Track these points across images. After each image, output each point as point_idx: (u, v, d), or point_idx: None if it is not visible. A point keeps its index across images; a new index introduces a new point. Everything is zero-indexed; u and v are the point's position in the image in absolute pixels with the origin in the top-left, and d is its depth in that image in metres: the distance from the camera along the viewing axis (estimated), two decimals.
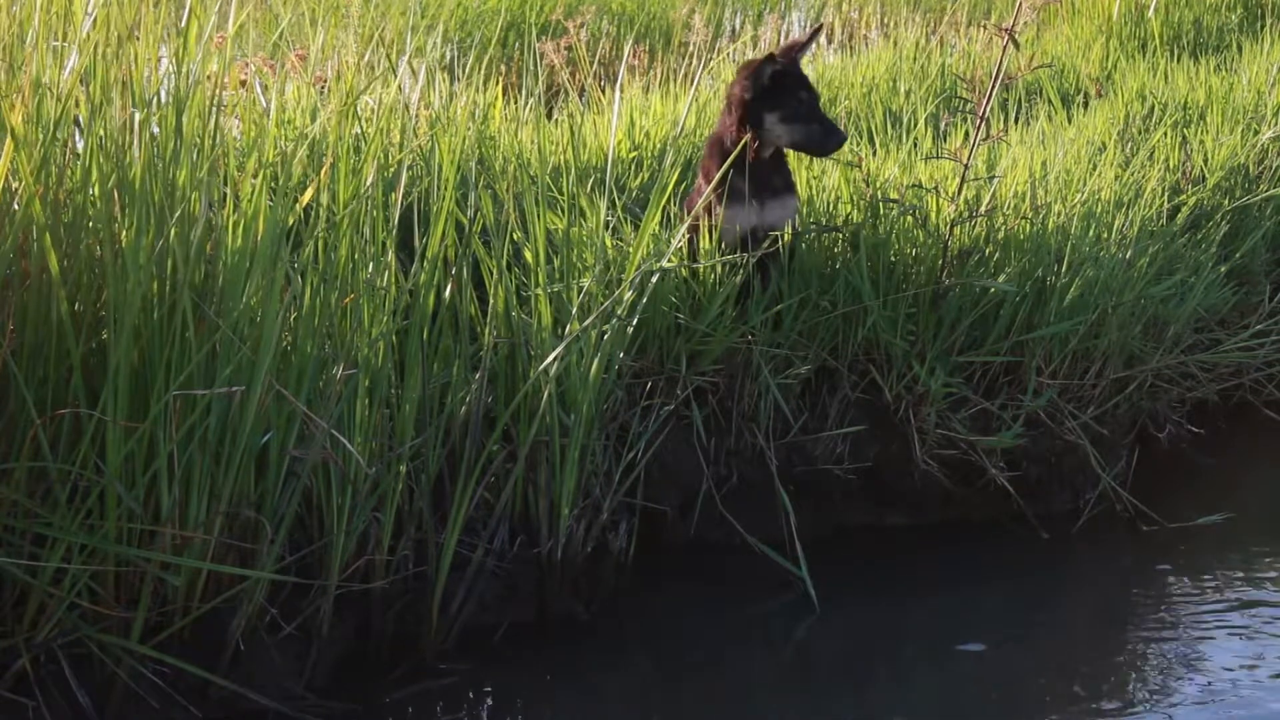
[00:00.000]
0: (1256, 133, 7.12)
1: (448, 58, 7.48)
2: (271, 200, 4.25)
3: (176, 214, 4.04)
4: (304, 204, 4.46)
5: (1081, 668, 4.84)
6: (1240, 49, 8.88)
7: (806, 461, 5.47)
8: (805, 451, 5.47)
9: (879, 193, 5.59)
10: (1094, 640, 5.06)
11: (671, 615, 5.09)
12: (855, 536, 5.59)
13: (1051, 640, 5.04)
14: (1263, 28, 9.20)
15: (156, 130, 4.12)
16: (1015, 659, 4.89)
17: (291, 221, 4.40)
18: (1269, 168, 6.93)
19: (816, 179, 5.80)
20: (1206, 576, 5.41)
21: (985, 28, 7.76)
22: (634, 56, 7.24)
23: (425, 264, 4.61)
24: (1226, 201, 6.66)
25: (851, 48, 9.09)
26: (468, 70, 6.34)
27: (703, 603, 5.16)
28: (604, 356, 4.80)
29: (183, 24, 4.27)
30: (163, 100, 4.16)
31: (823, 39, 9.68)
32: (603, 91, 7.05)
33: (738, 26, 10.07)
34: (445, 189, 4.65)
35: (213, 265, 4.13)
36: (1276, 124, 7.19)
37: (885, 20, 9.80)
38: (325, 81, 5.71)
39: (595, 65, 7.70)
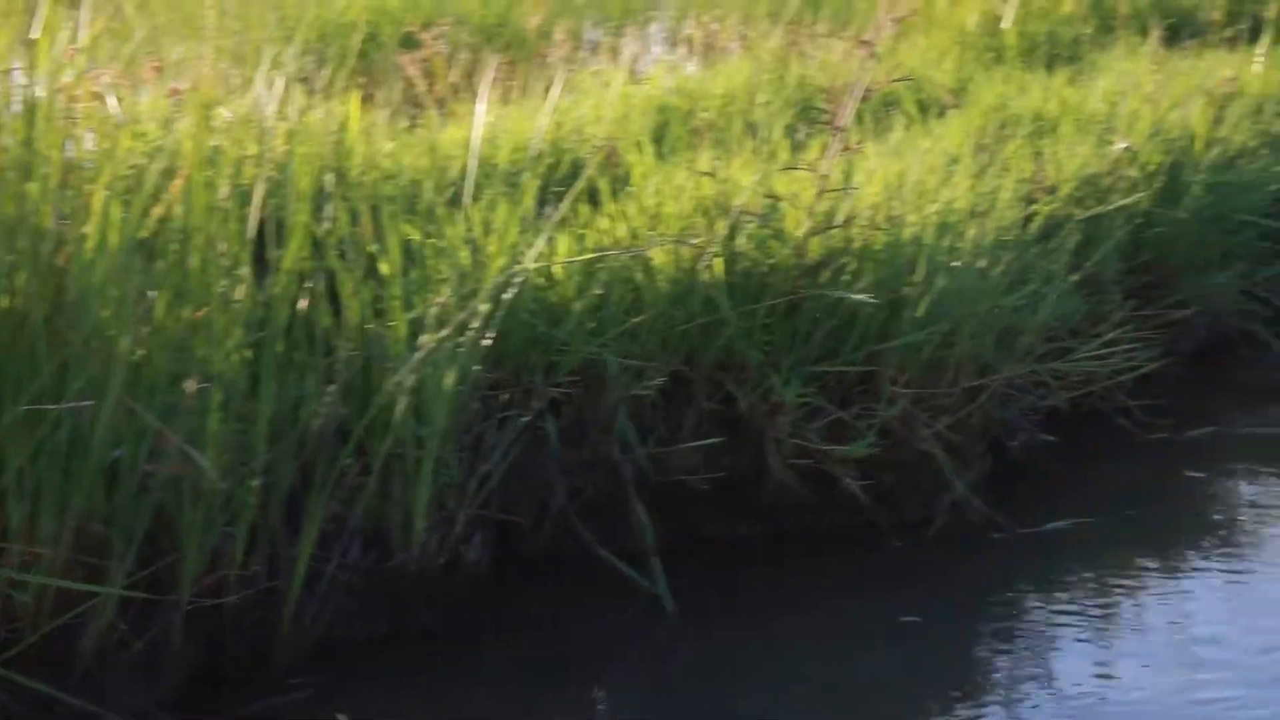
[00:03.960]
0: (1108, 143, 7.26)
1: (306, 69, 7.48)
2: (125, 213, 4.25)
3: (27, 227, 4.03)
4: (157, 217, 4.46)
5: (932, 674, 4.94)
6: (1093, 61, 9.05)
7: (662, 472, 5.54)
8: (661, 462, 5.53)
9: (735, 205, 5.66)
10: (945, 646, 5.16)
11: (527, 627, 5.13)
12: (711, 546, 5.66)
13: (903, 647, 5.13)
14: (1115, 41, 9.37)
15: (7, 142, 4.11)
16: (867, 667, 4.98)
17: (144, 234, 4.39)
18: (1120, 178, 7.07)
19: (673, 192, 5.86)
20: (1057, 582, 5.53)
21: (844, 39, 7.85)
22: (494, 69, 7.27)
23: (280, 277, 4.63)
24: (1079, 211, 6.79)
25: (711, 59, 9.15)
26: (325, 82, 6.35)
27: (559, 614, 5.21)
28: (459, 368, 4.84)
29: (34, 35, 4.26)
30: (13, 112, 4.15)
31: (683, 50, 9.76)
32: (463, 103, 7.07)
33: (598, 39, 10.13)
34: (301, 201, 4.67)
35: (63, 278, 4.12)
36: (1127, 135, 7.34)
37: (746, 31, 9.87)
38: (181, 93, 5.70)
39: (454, 78, 7.73)
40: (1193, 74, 8.43)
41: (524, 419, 5.25)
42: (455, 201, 5.51)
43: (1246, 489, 6.35)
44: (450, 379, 4.82)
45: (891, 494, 5.80)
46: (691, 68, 8.74)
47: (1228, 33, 9.91)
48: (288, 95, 6.02)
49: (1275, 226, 7.73)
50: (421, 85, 6.99)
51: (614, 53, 9.09)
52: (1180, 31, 10.00)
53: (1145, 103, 7.73)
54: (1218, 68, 8.64)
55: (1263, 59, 9.04)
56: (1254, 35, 9.52)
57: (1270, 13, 9.82)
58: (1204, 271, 7.36)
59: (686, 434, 5.58)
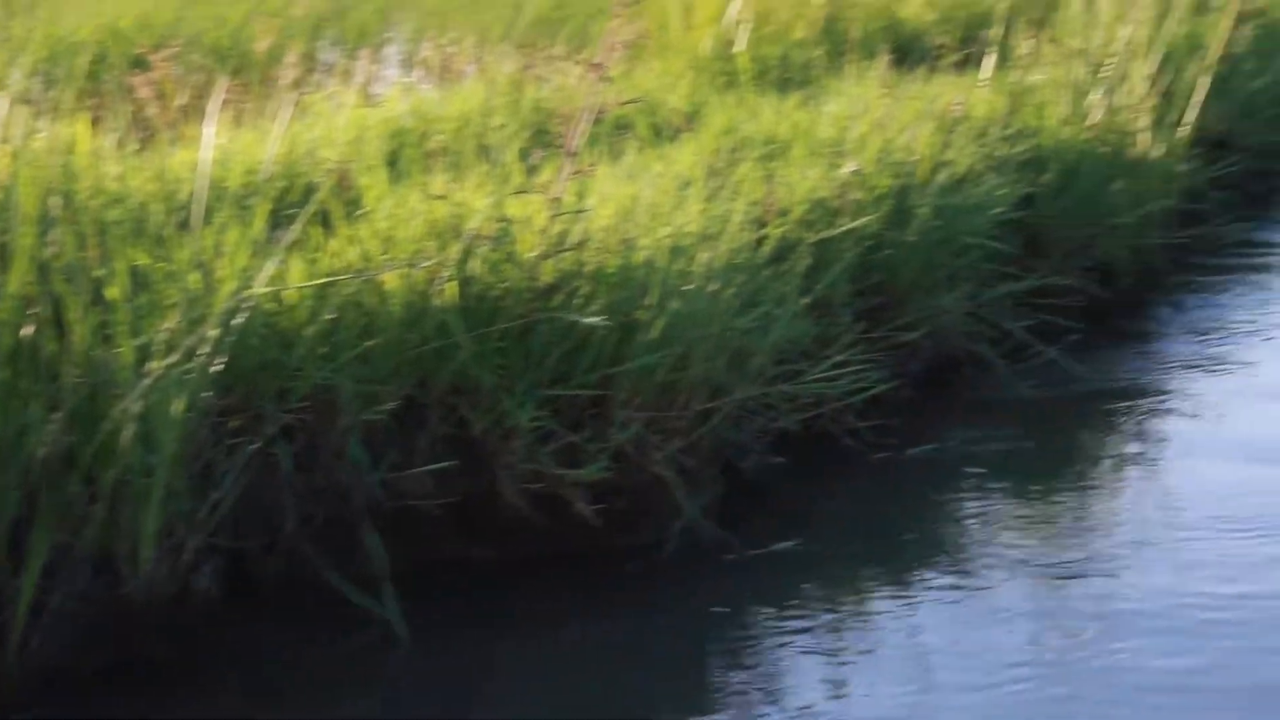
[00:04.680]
0: (838, 167, 7.43)
1: (33, 90, 7.38)
2: None
3: None
4: None
5: (667, 696, 5.04)
6: (825, 85, 9.25)
7: (396, 497, 5.57)
8: (394, 487, 5.57)
9: (468, 228, 5.72)
10: (679, 667, 5.27)
11: (260, 655, 5.14)
12: (446, 571, 5.70)
13: (637, 669, 5.23)
14: (845, 65, 9.59)
15: None
16: (601, 690, 5.07)
17: None
18: (850, 201, 7.24)
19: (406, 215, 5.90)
20: (788, 601, 5.66)
21: (580, 63, 7.95)
22: (224, 91, 7.24)
23: (4, 302, 4.58)
24: (809, 234, 6.94)
25: (447, 81, 9.21)
26: (53, 103, 6.29)
27: (291, 642, 5.22)
28: (188, 395, 4.83)
29: None
30: None
31: (418, 73, 9.81)
32: (194, 126, 7.04)
33: (333, 61, 10.14)
34: (26, 225, 4.63)
35: None
36: (856, 158, 7.52)
37: (482, 54, 9.95)
38: None
39: (185, 100, 7.68)
40: (921, 98, 8.66)
41: (255, 445, 5.25)
42: (185, 225, 5.49)
43: (971, 506, 6.55)
44: (179, 405, 4.82)
45: (625, 517, 5.89)
46: (427, 90, 8.79)
47: (955, 58, 10.19)
48: (12, 116, 5.94)
49: (1000, 249, 7.98)
50: (152, 107, 6.94)
51: (349, 75, 9.11)
52: (909, 56, 10.27)
53: (874, 127, 7.93)
54: (945, 92, 8.89)
55: (988, 83, 9.32)
56: (979, 60, 9.80)
57: (995, 37, 10.11)
58: (931, 294, 7.56)
59: (420, 458, 5.62)
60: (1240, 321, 8.85)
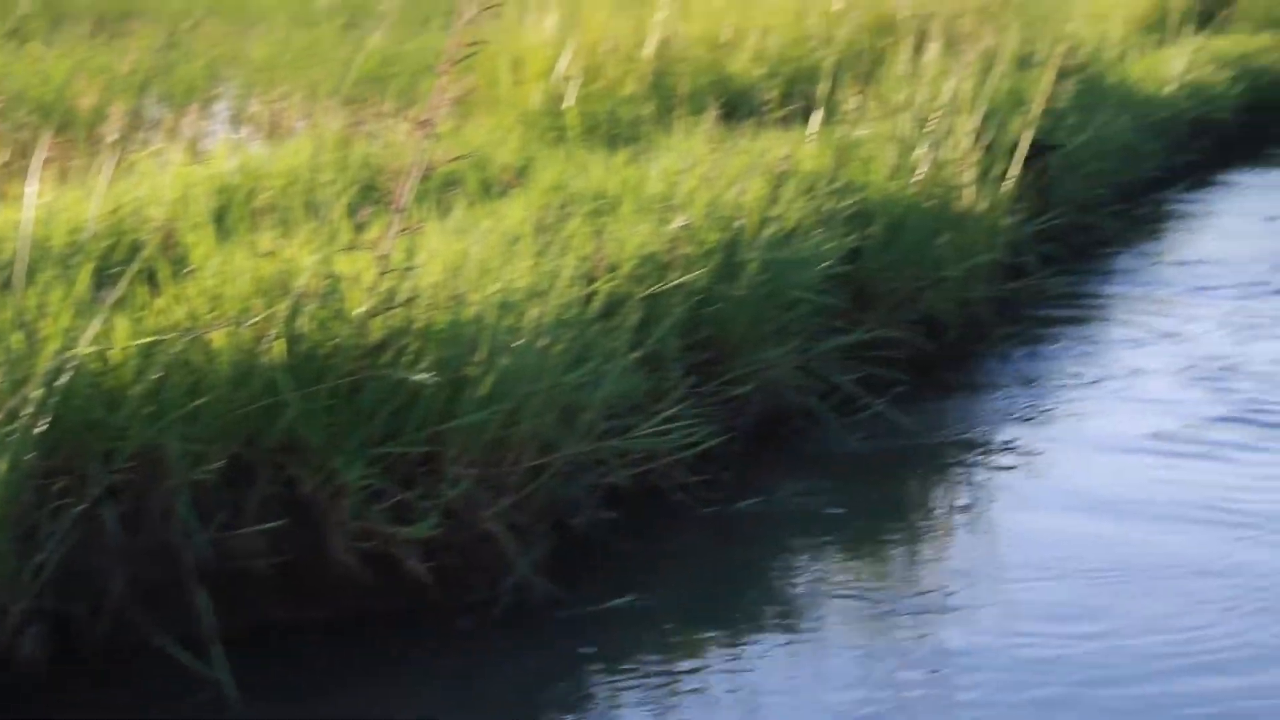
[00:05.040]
0: (668, 221, 7.51)
1: None
2: None
3: None
4: None
5: None
6: (653, 140, 9.34)
7: (225, 557, 5.55)
8: (224, 547, 5.54)
9: (296, 285, 5.72)
10: None
11: None
12: (277, 631, 5.68)
13: None
14: (674, 120, 9.69)
15: None
16: None
17: None
18: (679, 255, 7.31)
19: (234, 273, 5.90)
20: (621, 657, 5.71)
21: (409, 118, 7.98)
22: (49, 148, 7.20)
23: None
24: (639, 289, 7.00)
25: (276, 138, 9.21)
26: None
27: (121, 706, 5.20)
28: (10, 456, 4.79)
29: None
30: None
31: (248, 130, 9.80)
32: (16, 184, 6.98)
33: (160, 117, 10.09)
34: None
35: None
36: (686, 213, 7.60)
37: (311, 110, 9.95)
38: None
39: (7, 157, 7.62)
40: (749, 153, 8.78)
41: (81, 506, 5.21)
42: (7, 285, 5.45)
43: (802, 559, 6.64)
44: (1, 467, 4.77)
45: (457, 574, 5.90)
46: (255, 146, 8.78)
47: (783, 112, 10.33)
48: None
49: (829, 302, 8.09)
50: None
51: (175, 132, 9.08)
52: (737, 111, 10.39)
53: (703, 181, 8.03)
54: (773, 147, 9.01)
55: (815, 138, 9.46)
56: (807, 115, 9.95)
57: (822, 92, 10.26)
58: (761, 347, 7.64)
59: (249, 518, 5.60)
60: (1065, 373, 9.04)
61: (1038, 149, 10.43)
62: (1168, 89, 15.51)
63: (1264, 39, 19.69)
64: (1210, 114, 16.22)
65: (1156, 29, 18.71)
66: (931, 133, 9.67)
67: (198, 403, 5.45)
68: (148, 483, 5.44)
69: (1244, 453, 7.74)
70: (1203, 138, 15.96)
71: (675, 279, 7.16)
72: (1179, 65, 15.95)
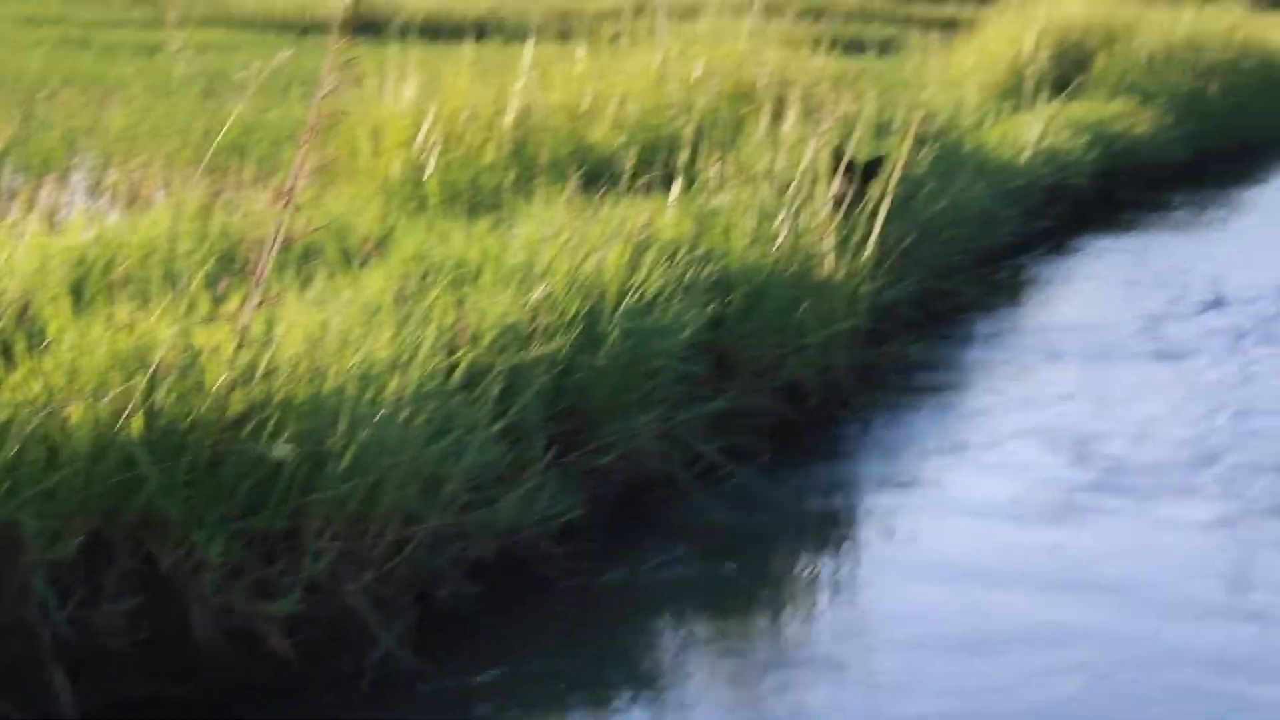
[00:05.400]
0: (528, 291, 7.54)
1: None
2: None
3: None
4: None
5: None
6: (514, 208, 9.38)
7: (84, 635, 5.50)
8: (83, 624, 5.50)
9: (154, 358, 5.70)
10: None
11: None
12: (139, 709, 5.65)
13: None
14: (535, 189, 9.73)
15: None
16: None
17: None
18: (540, 326, 7.35)
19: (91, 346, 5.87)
20: None
21: (269, 188, 7.98)
22: None
23: None
24: (501, 359, 7.02)
25: (135, 208, 9.16)
26: None
27: None
28: None
29: None
30: None
31: (106, 200, 9.74)
32: None
33: (16, 187, 10.01)
34: None
35: None
36: (547, 282, 7.63)
37: (170, 179, 9.91)
38: None
39: None
40: (609, 221, 8.82)
41: None
42: None
43: (667, 629, 6.70)
44: None
45: (321, 648, 5.89)
46: (113, 217, 8.73)
47: (642, 180, 10.39)
48: None
49: (691, 370, 8.15)
50: None
51: (32, 203, 9.01)
52: (598, 179, 10.44)
53: (564, 250, 8.07)
54: (633, 215, 9.06)
55: (675, 206, 9.53)
56: (667, 182, 10.02)
57: (682, 160, 10.34)
58: (624, 416, 7.68)
59: (109, 594, 5.57)
60: (925, 439, 9.16)
61: (866, 167, 10.44)
62: (1024, 155, 15.75)
63: (1118, 105, 20.06)
64: (1066, 180, 16.48)
65: (1012, 95, 19.01)
66: (791, 200, 9.77)
67: (55, 478, 5.42)
68: (4, 560, 5.39)
69: (1102, 518, 7.88)
70: (1059, 203, 16.21)
71: (537, 349, 7.19)
72: (1035, 131, 16.20)
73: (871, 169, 10.42)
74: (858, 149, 10.83)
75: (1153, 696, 6.11)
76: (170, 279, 7.07)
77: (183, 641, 5.71)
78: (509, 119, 11.04)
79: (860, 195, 10.15)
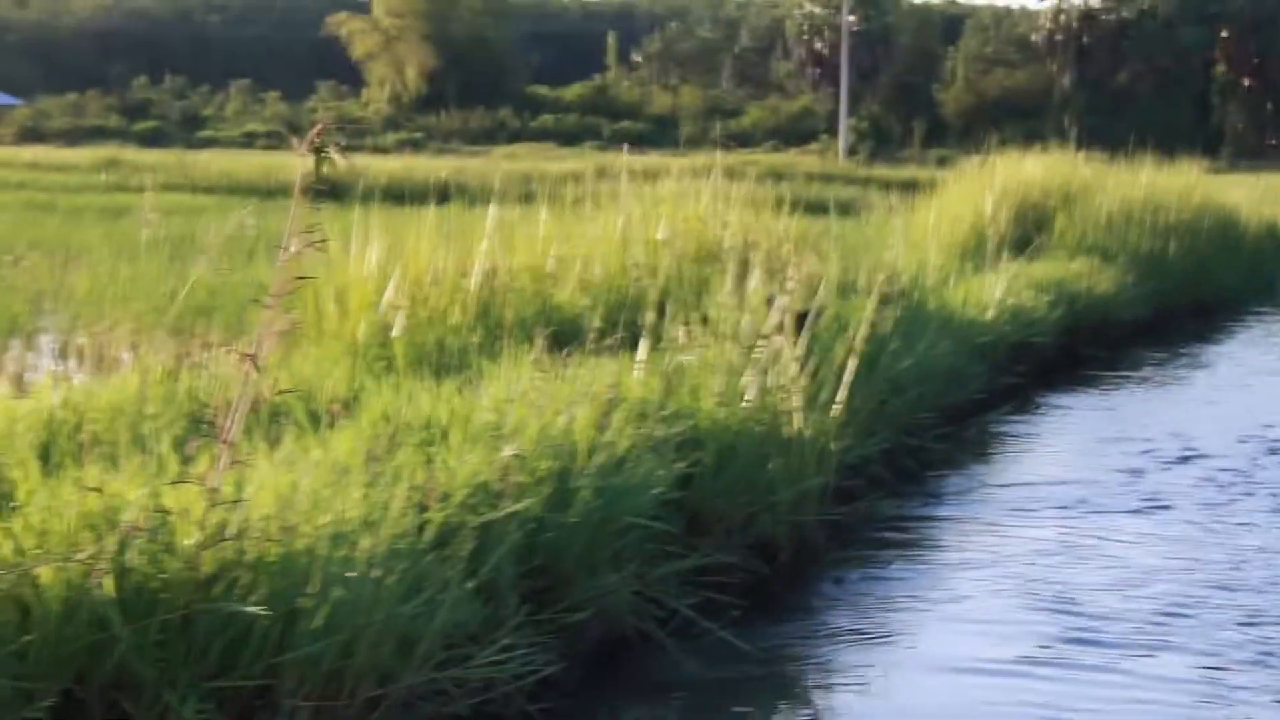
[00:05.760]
0: (498, 450, 7.57)
1: None
2: None
3: None
4: None
5: None
6: (481, 369, 9.42)
7: None
8: None
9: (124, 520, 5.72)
10: None
11: None
12: None
13: None
14: (502, 349, 9.78)
15: None
16: None
17: None
18: (511, 484, 7.37)
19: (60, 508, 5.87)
20: None
21: (236, 350, 8.02)
22: None
23: None
24: (472, 518, 7.04)
25: (102, 370, 9.20)
26: None
27: None
28: None
29: None
30: None
31: (74, 362, 9.79)
32: None
33: None
34: None
35: None
36: (516, 441, 7.66)
37: (138, 341, 9.97)
38: None
39: None
40: (577, 381, 8.87)
41: None
42: None
43: None
44: None
45: None
46: (81, 379, 8.76)
47: (609, 340, 10.45)
48: None
49: (663, 528, 8.18)
50: None
51: None
52: (564, 339, 10.50)
53: (532, 409, 8.11)
54: (601, 375, 9.11)
55: (642, 366, 9.59)
56: (634, 343, 10.08)
57: (648, 320, 10.41)
58: (597, 573, 7.70)
59: None
60: (896, 595, 9.17)
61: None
62: (989, 314, 15.93)
63: (1079, 264, 20.31)
64: (1030, 337, 16.66)
65: (974, 254, 19.23)
66: (758, 359, 9.85)
67: (26, 639, 5.41)
68: None
69: (1074, 672, 7.89)
70: (1024, 360, 16.37)
71: (508, 507, 7.20)
72: (998, 290, 16.38)
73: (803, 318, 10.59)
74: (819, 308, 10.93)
75: None
76: (139, 441, 7.09)
77: None
78: (474, 280, 11.12)
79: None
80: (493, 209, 12.19)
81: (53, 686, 5.48)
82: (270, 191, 22.99)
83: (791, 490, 9.40)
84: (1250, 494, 11.78)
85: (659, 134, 79.52)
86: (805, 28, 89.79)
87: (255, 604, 5.74)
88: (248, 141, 77.80)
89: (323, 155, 6.08)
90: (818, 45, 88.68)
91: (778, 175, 23.77)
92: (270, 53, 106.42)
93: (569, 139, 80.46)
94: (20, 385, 8.45)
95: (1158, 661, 8.05)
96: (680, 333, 10.55)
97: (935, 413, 13.06)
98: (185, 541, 5.85)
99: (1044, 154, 25.31)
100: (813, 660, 8.14)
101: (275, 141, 71.40)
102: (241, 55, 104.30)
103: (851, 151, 72.15)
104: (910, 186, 26.11)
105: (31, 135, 76.44)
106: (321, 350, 10.04)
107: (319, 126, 6.09)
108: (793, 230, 14.65)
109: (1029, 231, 21.71)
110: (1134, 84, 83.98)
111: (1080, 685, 7.73)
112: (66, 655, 5.52)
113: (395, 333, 10.19)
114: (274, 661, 5.81)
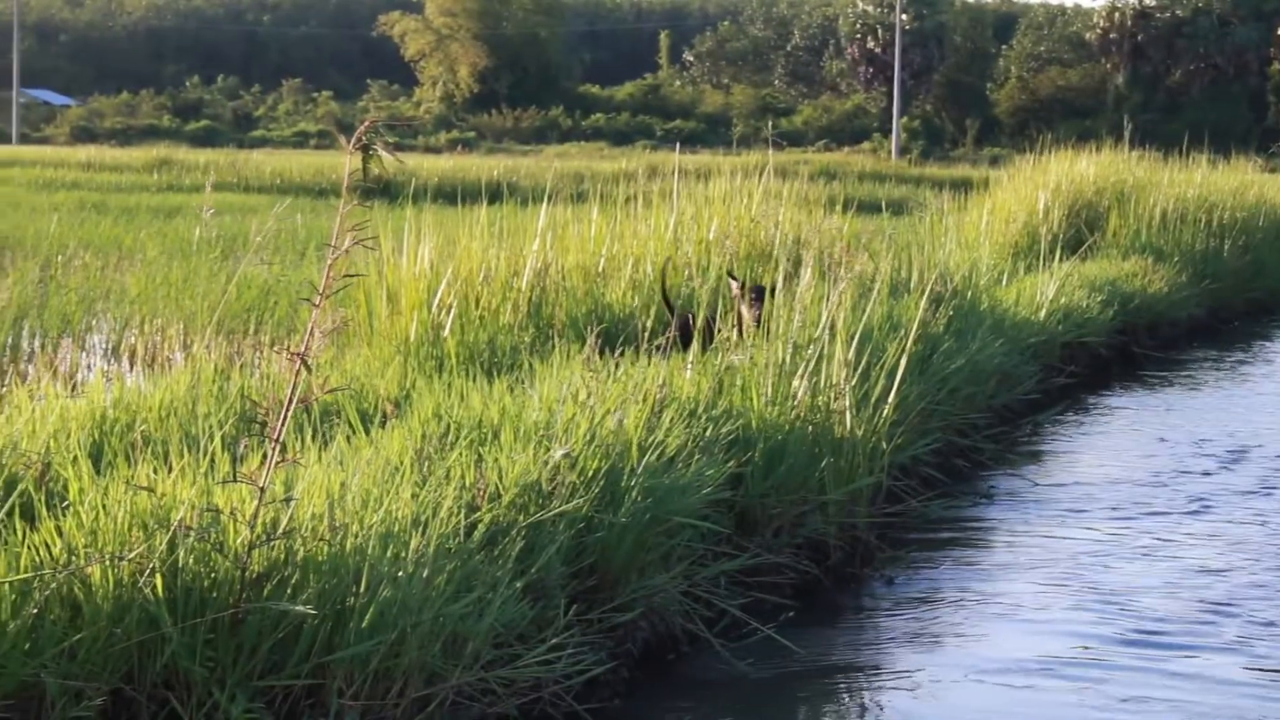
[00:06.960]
0: (548, 449, 7.57)
1: None
2: None
3: None
4: None
5: None
6: (532, 368, 9.43)
7: None
8: None
9: (174, 519, 5.74)
10: None
11: None
12: None
13: None
14: (553, 348, 9.79)
15: None
16: None
17: None
18: (561, 484, 7.37)
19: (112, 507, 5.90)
20: None
21: (286, 351, 8.04)
22: None
23: None
24: (521, 518, 7.05)
25: (154, 369, 9.25)
26: None
27: None
28: None
29: None
30: None
31: (125, 362, 9.85)
32: None
33: (36, 349, 10.11)
34: None
35: None
36: (567, 441, 7.66)
37: (188, 341, 10.02)
38: None
39: None
40: (627, 380, 8.86)
41: None
42: None
43: None
44: None
45: None
46: (132, 379, 8.81)
47: (660, 340, 10.44)
48: None
49: (712, 528, 8.17)
50: None
51: (52, 365, 9.09)
52: (615, 338, 10.51)
53: (582, 409, 8.10)
54: (651, 374, 9.09)
55: (692, 365, 9.58)
56: (685, 342, 10.07)
57: (698, 320, 10.39)
58: (646, 573, 7.70)
59: None
60: (948, 596, 9.14)
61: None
62: (1041, 313, 15.87)
63: (1132, 264, 20.22)
64: (1083, 337, 16.60)
65: (1026, 254, 19.16)
66: (809, 359, 9.82)
67: (77, 638, 5.44)
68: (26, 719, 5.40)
69: (1127, 674, 7.85)
70: (1077, 360, 16.31)
71: (557, 507, 7.20)
72: (1051, 290, 16.32)
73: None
74: (874, 310, 10.90)
75: None
76: (190, 440, 7.12)
77: None
78: (525, 280, 11.15)
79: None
80: (544, 208, 12.20)
81: (103, 685, 5.51)
82: (322, 191, 23.11)
83: (842, 490, 9.38)
84: None
85: (710, 133, 79.68)
86: (858, 26, 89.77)
87: (304, 603, 5.76)
88: (300, 141, 78.23)
89: (370, 153, 6.07)
90: (870, 44, 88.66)
91: (830, 174, 23.74)
92: (322, 52, 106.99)
93: (621, 138, 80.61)
94: (72, 384, 8.49)
95: (1210, 663, 8.00)
96: (730, 332, 10.54)
97: (987, 413, 13.02)
98: (235, 541, 5.87)
99: (1097, 152, 25.20)
100: (862, 661, 8.12)
101: (327, 141, 71.78)
102: (294, 55, 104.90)
103: (904, 150, 72.07)
104: (963, 185, 26.06)
105: (84, 135, 76.99)
106: (373, 349, 10.06)
107: (366, 124, 6.08)
108: (845, 229, 14.62)
109: (1082, 231, 21.63)
110: (1188, 82, 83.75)
111: (1132, 687, 7.68)
112: (116, 654, 5.55)
113: (446, 332, 10.21)
114: (322, 661, 5.82)
